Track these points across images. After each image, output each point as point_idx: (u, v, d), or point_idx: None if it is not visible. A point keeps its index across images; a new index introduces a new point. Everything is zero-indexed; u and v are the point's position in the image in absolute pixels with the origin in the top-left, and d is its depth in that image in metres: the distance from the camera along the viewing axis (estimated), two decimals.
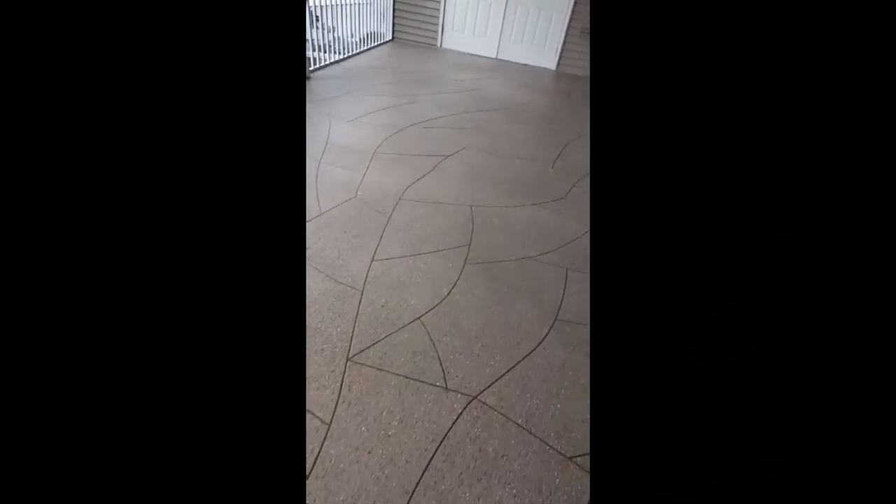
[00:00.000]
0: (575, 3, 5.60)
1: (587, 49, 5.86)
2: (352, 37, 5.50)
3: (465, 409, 1.36)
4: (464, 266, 1.98)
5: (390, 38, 6.41)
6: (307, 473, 1.14)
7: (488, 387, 1.44)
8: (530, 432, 1.32)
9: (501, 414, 1.36)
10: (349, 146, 2.97)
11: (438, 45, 6.32)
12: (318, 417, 1.27)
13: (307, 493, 1.10)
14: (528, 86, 5.17)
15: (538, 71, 5.98)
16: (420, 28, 6.29)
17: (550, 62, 6.12)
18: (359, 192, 2.45)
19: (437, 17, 6.12)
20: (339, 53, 5.22)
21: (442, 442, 1.26)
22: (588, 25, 5.69)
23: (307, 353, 1.46)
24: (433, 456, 1.22)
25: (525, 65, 6.17)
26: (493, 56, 6.26)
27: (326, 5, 4.63)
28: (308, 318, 1.59)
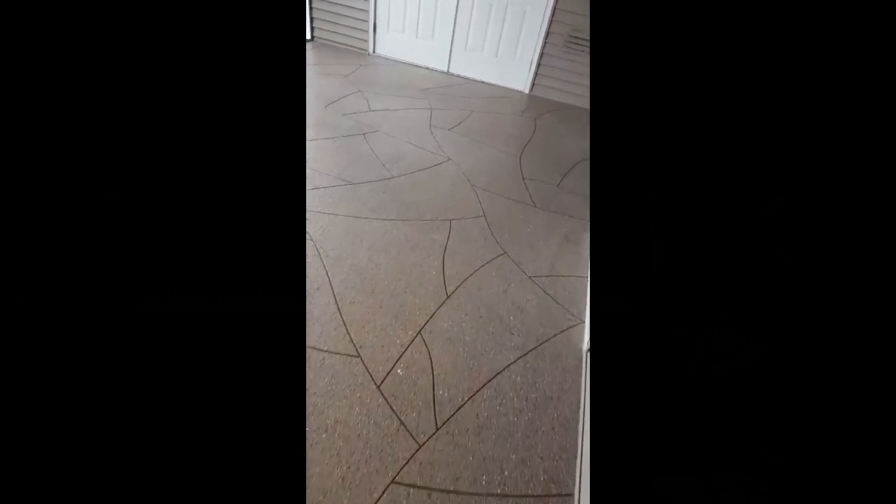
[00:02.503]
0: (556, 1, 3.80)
1: (573, 64, 4.06)
2: None
3: None
4: None
5: (308, 38, 4.70)
6: None
7: None
8: None
9: None
10: None
11: (370, 50, 4.58)
12: None
13: None
14: (469, 125, 3.41)
15: (501, 94, 4.20)
16: (343, 26, 4.55)
17: (521, 82, 4.33)
18: None
19: (367, 12, 4.37)
20: None
21: None
22: (575, 31, 3.88)
23: None
24: None
25: (485, 84, 4.39)
26: (444, 69, 4.49)
27: None
28: None
